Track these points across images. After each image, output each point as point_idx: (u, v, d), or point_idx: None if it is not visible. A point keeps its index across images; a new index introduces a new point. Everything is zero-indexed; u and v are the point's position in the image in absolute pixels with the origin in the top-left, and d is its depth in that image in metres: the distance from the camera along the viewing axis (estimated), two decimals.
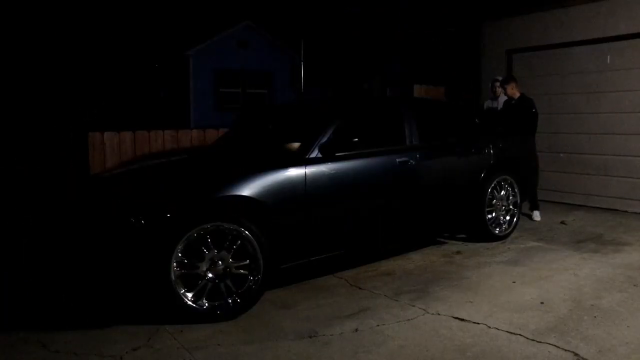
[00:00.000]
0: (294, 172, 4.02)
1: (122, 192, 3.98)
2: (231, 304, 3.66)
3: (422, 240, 5.47)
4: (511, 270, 4.62)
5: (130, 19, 19.80)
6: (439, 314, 3.68)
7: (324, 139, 4.27)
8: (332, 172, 4.22)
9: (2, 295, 4.21)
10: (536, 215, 6.60)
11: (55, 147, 5.88)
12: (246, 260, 3.73)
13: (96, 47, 19.40)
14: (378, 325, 3.50)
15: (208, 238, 3.61)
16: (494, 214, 5.56)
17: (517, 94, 6.50)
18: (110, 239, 3.46)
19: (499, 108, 6.96)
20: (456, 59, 9.65)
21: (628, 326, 3.42)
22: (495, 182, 5.51)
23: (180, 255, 3.51)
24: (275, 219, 3.86)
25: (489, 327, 3.44)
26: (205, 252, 3.61)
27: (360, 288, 4.24)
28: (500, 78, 7.07)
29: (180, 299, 3.53)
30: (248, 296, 3.72)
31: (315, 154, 4.19)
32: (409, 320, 3.59)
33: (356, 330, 3.44)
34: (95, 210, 3.74)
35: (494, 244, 5.48)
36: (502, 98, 6.92)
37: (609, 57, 7.09)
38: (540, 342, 3.21)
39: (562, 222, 6.41)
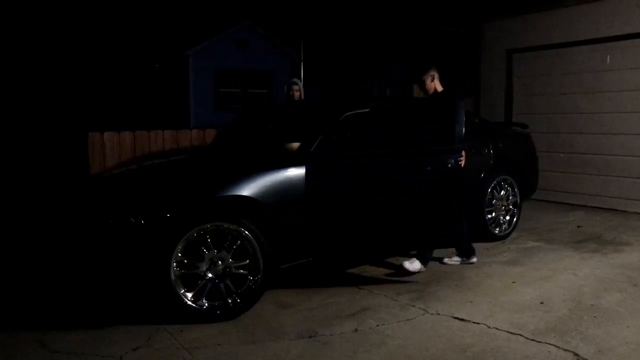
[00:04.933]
0: (294, 172, 4.01)
1: (122, 192, 3.97)
2: (231, 304, 3.66)
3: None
4: (511, 270, 4.62)
5: (130, 19, 19.80)
6: (439, 314, 3.68)
7: (324, 139, 4.26)
8: (333, 172, 4.21)
9: (1, 295, 4.21)
10: (454, 260, 4.85)
11: (55, 147, 5.88)
12: (246, 260, 3.73)
13: (96, 47, 19.40)
14: (378, 325, 3.50)
15: (208, 238, 3.61)
16: (494, 214, 5.57)
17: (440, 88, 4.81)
18: (111, 238, 3.46)
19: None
20: (456, 59, 9.65)
21: (628, 326, 3.42)
22: (495, 182, 5.51)
23: (180, 255, 3.52)
24: (275, 219, 3.85)
25: (489, 327, 3.45)
26: (205, 252, 3.61)
27: (360, 288, 4.24)
28: (297, 81, 6.33)
29: (180, 299, 3.53)
30: (248, 296, 3.72)
31: (315, 154, 4.18)
32: (408, 320, 3.59)
33: (356, 330, 3.44)
34: (95, 210, 3.73)
35: (493, 244, 5.48)
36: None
37: (608, 57, 7.09)
38: (540, 342, 3.21)
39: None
